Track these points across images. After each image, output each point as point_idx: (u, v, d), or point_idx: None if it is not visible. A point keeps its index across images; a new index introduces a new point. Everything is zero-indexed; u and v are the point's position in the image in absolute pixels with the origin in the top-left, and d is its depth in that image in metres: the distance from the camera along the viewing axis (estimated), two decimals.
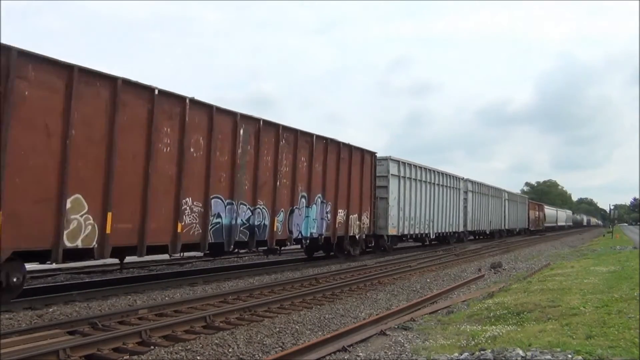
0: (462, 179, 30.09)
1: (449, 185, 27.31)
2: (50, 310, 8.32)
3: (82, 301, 9.11)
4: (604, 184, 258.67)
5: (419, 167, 23.54)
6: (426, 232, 24.34)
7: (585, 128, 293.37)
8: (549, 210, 67.14)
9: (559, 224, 73.98)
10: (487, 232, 36.01)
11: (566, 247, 30.07)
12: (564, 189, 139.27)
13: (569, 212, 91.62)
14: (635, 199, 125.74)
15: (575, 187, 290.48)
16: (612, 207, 59.79)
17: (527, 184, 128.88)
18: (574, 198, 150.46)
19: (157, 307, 8.57)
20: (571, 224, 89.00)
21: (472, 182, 32.20)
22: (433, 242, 27.35)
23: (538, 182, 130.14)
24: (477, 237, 35.80)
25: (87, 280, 12.16)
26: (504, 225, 40.94)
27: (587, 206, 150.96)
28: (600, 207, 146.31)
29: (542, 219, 58.82)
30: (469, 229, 31.41)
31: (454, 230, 28.24)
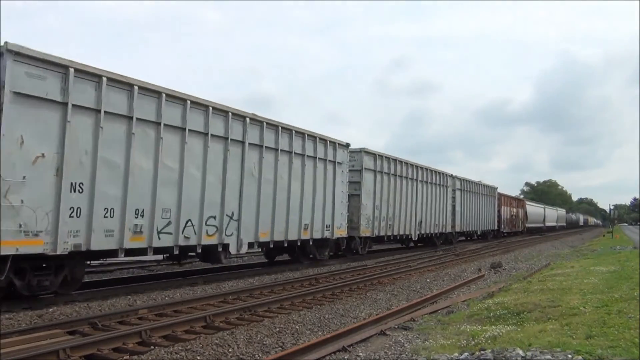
0: (345, 145, 17.19)
1: (304, 152, 14.82)
2: (50, 310, 8.32)
3: (82, 301, 9.11)
4: (604, 184, 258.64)
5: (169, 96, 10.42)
6: (184, 241, 10.73)
7: (585, 128, 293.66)
8: (533, 208, 55.49)
9: (548, 224, 61.86)
10: (414, 238, 23.47)
11: (566, 247, 30.07)
12: (564, 189, 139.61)
13: (562, 211, 79.29)
14: (635, 199, 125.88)
15: (575, 187, 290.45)
16: (612, 207, 59.82)
17: (527, 184, 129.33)
18: (574, 198, 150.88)
19: (157, 307, 8.58)
20: (564, 224, 77.68)
21: (382, 158, 19.97)
22: (282, 260, 16.20)
23: (538, 182, 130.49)
24: (407, 245, 24.90)
25: (87, 280, 12.15)
26: (453, 226, 28.08)
27: (587, 206, 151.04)
28: (600, 207, 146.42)
29: (523, 218, 47.55)
30: (373, 232, 19.18)
31: (311, 235, 15.16)
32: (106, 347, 6.20)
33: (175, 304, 8.87)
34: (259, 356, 6.19)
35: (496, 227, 37.91)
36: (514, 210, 44.46)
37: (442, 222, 26.44)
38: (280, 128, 13.85)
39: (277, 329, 7.42)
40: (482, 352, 5.39)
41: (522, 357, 5.06)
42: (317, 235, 15.56)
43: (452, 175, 28.35)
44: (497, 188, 38.11)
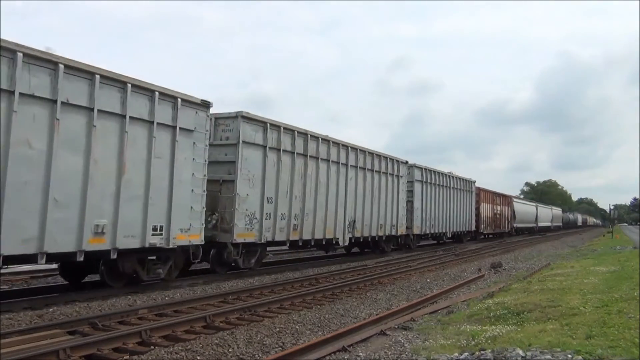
0: (199, 103, 11.32)
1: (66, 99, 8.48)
2: (50, 310, 8.31)
3: (82, 301, 9.11)
4: (604, 184, 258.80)
5: None
6: None
7: (585, 128, 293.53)
8: (523, 206, 49.74)
9: (541, 224, 56.60)
10: (344, 243, 17.05)
11: (566, 247, 30.09)
12: (564, 189, 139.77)
13: (557, 210, 73.23)
14: (635, 199, 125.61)
15: (575, 187, 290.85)
16: (612, 207, 59.77)
17: (527, 184, 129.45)
18: (574, 198, 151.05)
19: (157, 307, 8.57)
20: (560, 224, 72.39)
21: (280, 129, 13.83)
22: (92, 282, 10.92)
23: (538, 182, 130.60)
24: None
25: (87, 280, 12.15)
26: (410, 227, 22.42)
27: (587, 206, 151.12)
28: (600, 207, 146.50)
29: (510, 218, 42.21)
30: (262, 237, 13.22)
31: (114, 245, 9.38)
32: (106, 347, 6.19)
33: (175, 304, 8.87)
34: (259, 356, 6.19)
35: (474, 228, 32.43)
36: (499, 208, 38.93)
37: (392, 222, 20.36)
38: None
39: (277, 329, 7.42)
40: (482, 352, 5.39)
41: (522, 357, 5.07)
42: (129, 243, 9.68)
43: (406, 162, 22.25)
44: (475, 182, 32.60)
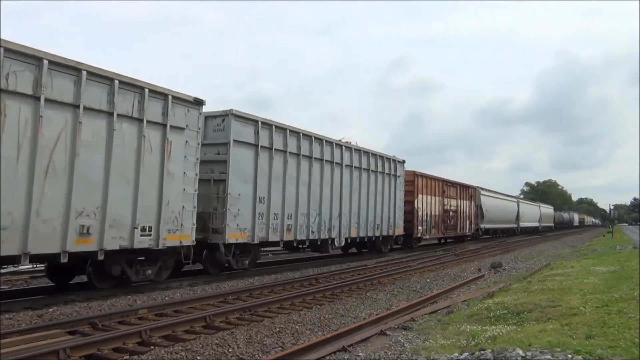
0: None
1: None
2: (50, 310, 8.31)
3: (82, 301, 9.11)
4: (604, 184, 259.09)
5: None
6: None
7: (585, 128, 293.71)
8: (495, 200, 37.43)
9: (525, 224, 46.70)
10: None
11: (566, 247, 30.08)
12: (564, 189, 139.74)
13: (548, 209, 62.66)
14: (635, 199, 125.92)
15: (575, 187, 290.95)
16: (612, 207, 59.76)
17: (527, 184, 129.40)
18: (574, 198, 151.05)
19: (157, 307, 8.58)
20: (551, 224, 62.77)
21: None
22: None
23: (538, 182, 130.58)
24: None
25: (87, 280, 12.13)
26: (218, 230, 11.98)
27: (587, 206, 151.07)
28: (600, 207, 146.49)
29: (472, 216, 31.97)
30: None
31: None
32: (106, 347, 6.19)
33: (175, 304, 8.87)
34: (259, 356, 6.19)
35: (402, 231, 21.58)
36: (453, 202, 28.09)
37: (143, 224, 9.88)
38: None
39: (277, 329, 7.42)
40: (482, 352, 5.39)
41: (522, 357, 5.06)
42: None
43: (198, 100, 10.91)
44: (404, 162, 21.67)
